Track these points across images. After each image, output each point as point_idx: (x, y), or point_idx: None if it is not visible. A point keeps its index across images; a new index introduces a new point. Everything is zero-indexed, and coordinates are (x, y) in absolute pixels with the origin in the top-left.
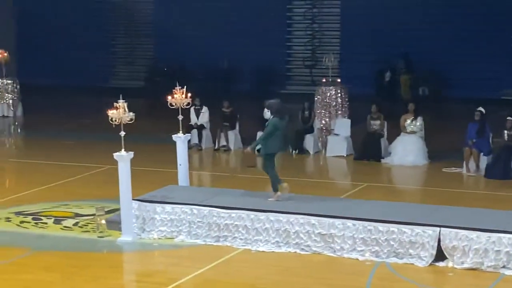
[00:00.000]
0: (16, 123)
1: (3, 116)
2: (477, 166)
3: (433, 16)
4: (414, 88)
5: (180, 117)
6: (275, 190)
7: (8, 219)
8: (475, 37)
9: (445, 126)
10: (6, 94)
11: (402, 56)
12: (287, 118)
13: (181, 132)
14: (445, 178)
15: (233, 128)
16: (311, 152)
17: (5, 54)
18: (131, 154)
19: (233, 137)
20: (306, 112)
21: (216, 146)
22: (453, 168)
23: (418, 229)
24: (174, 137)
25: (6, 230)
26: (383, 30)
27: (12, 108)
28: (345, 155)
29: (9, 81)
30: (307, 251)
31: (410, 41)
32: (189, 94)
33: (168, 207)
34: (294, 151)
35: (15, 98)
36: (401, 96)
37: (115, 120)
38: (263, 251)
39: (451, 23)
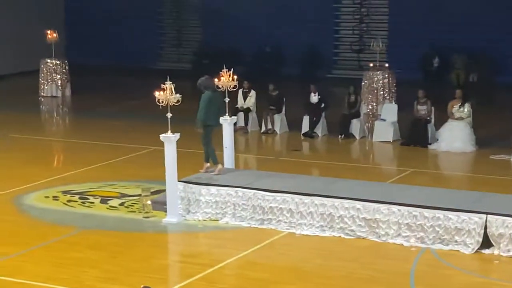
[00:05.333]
0: (64, 103)
1: (52, 96)
2: None
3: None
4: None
5: (227, 100)
6: (216, 162)
7: (55, 198)
8: None
9: (494, 113)
10: (55, 75)
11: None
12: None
13: (227, 114)
14: (492, 165)
15: (279, 111)
16: (357, 137)
17: (55, 35)
18: (177, 135)
19: (279, 120)
20: (352, 97)
21: (263, 130)
22: (501, 155)
23: (464, 215)
24: (220, 119)
25: (54, 209)
26: (432, 14)
27: (60, 89)
28: (391, 141)
29: (58, 62)
30: (351, 235)
31: (460, 26)
32: (235, 77)
33: (213, 189)
34: (340, 136)
35: (64, 78)
36: (451, 81)
37: (162, 102)
38: (307, 235)
39: (503, 8)
